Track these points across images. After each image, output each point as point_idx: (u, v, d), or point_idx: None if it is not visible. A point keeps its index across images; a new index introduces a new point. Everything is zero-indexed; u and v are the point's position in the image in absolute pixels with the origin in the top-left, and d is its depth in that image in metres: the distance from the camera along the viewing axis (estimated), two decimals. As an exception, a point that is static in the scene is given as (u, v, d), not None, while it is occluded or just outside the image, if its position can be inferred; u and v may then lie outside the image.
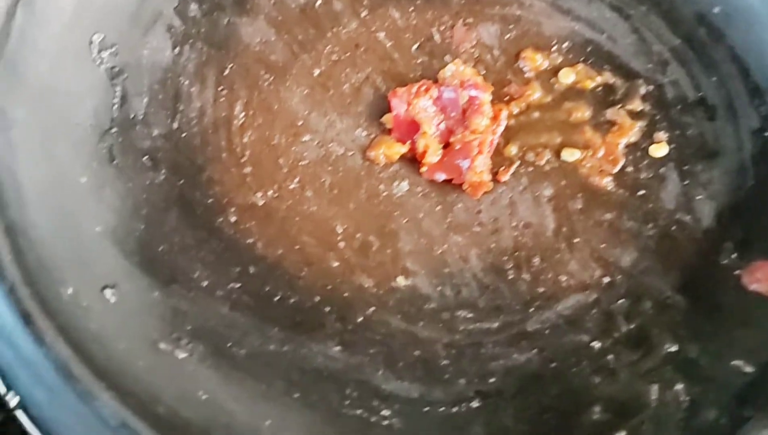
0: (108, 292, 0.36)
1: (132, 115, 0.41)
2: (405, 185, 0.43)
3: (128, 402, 0.32)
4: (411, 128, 0.43)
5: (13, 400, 0.35)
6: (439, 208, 0.42)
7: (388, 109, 0.44)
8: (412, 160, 0.43)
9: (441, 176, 0.43)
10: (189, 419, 0.33)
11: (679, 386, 0.35)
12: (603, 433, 0.34)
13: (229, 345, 0.36)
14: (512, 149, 0.44)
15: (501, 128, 0.44)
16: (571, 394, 0.36)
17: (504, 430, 0.35)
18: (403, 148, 0.43)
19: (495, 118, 0.43)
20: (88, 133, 0.40)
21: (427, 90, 0.43)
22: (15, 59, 0.38)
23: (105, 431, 0.31)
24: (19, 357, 0.32)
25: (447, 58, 0.46)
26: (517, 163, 0.43)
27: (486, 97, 0.43)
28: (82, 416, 0.31)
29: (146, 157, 0.41)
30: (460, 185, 0.42)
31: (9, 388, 0.34)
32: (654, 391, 0.36)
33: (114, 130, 0.41)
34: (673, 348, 0.37)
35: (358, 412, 0.36)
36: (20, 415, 0.35)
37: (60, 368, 0.32)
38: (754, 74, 0.44)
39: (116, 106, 0.41)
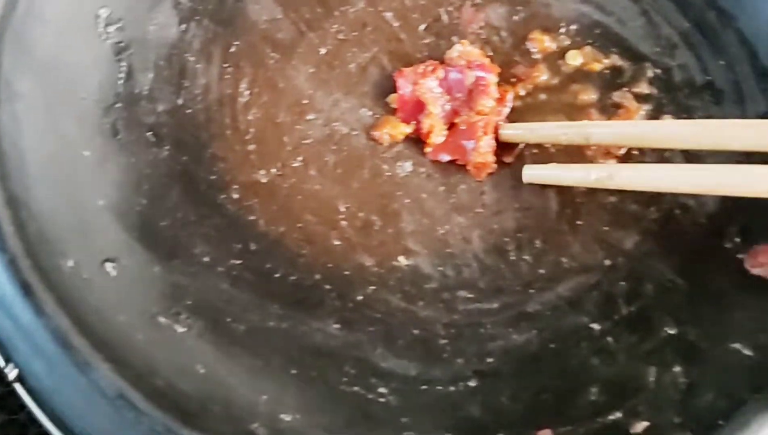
0: (108, 266, 0.36)
1: (137, 91, 0.42)
2: (408, 166, 0.43)
3: (126, 374, 0.32)
4: (416, 108, 0.43)
5: (12, 373, 0.35)
6: (442, 188, 0.42)
7: (394, 89, 0.44)
8: (417, 140, 0.43)
9: (445, 157, 0.42)
10: (186, 392, 0.33)
11: (678, 368, 0.35)
12: (599, 413, 0.34)
13: (228, 320, 0.37)
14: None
15: (507, 110, 0.43)
16: (569, 375, 0.36)
17: (500, 409, 0.35)
18: (408, 129, 0.43)
19: (501, 100, 0.43)
20: (93, 108, 0.40)
21: (433, 70, 0.43)
22: (21, 31, 0.38)
23: (102, 402, 0.31)
24: (19, 327, 0.32)
25: (454, 38, 0.45)
26: (522, 145, 0.43)
27: (492, 78, 0.43)
28: (80, 387, 0.32)
29: (150, 132, 0.41)
30: (465, 166, 0.42)
31: (8, 360, 0.35)
32: (652, 373, 0.35)
33: (118, 105, 0.41)
34: (673, 331, 0.37)
35: (356, 389, 0.36)
36: (19, 388, 0.36)
37: (59, 339, 0.32)
38: (762, 58, 0.43)
39: (121, 81, 0.41)
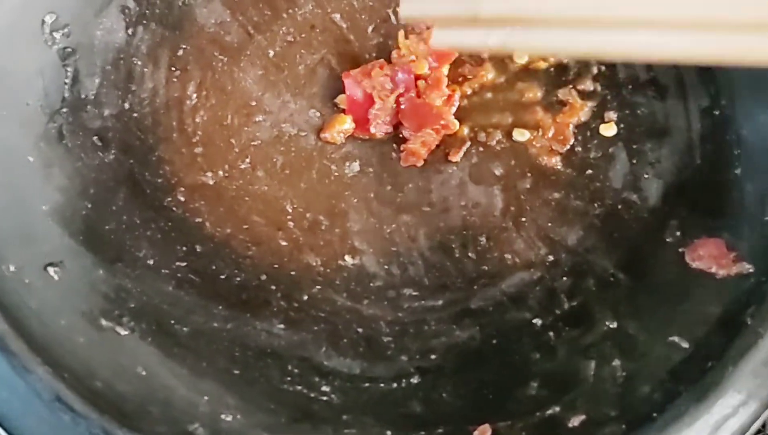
0: (51, 270, 0.36)
1: (83, 96, 0.42)
2: (356, 166, 0.43)
3: (64, 376, 0.32)
4: (365, 107, 0.43)
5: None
6: (389, 188, 0.43)
7: (342, 90, 0.44)
8: (365, 140, 0.43)
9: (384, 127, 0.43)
10: (125, 394, 0.33)
11: (617, 362, 0.36)
12: (538, 408, 0.35)
13: (172, 322, 0.37)
14: (464, 129, 0.44)
15: (453, 109, 0.44)
16: (510, 370, 0.37)
17: (441, 405, 0.36)
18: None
19: (449, 99, 0.44)
20: (38, 113, 0.40)
21: (381, 67, 0.43)
22: (-38, 39, 0.38)
23: (40, 405, 0.32)
24: (-43, 332, 0.33)
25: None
26: (468, 143, 0.43)
27: (444, 70, 0.43)
28: (18, 390, 0.32)
29: (96, 137, 0.41)
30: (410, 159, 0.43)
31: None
32: (591, 366, 0.36)
33: (64, 110, 0.41)
34: (613, 325, 0.37)
35: (299, 388, 0.36)
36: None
37: (-4, 342, 0.32)
38: (705, 54, 0.43)
39: (67, 86, 0.42)
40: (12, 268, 0.35)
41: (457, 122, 0.43)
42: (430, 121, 0.42)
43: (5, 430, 0.32)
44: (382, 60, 0.44)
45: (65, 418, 0.31)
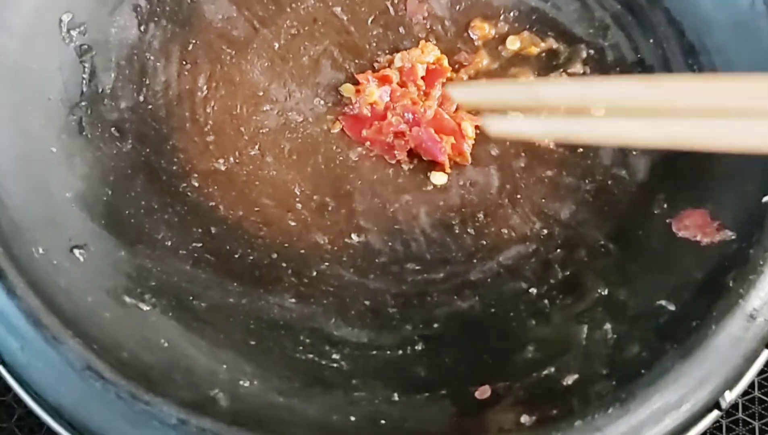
0: (77, 252, 0.39)
1: (100, 90, 0.44)
2: (360, 150, 0.45)
3: (93, 347, 0.34)
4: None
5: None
6: (391, 170, 0.45)
7: (345, 80, 0.47)
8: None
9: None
10: (150, 363, 0.35)
11: (607, 326, 0.38)
12: (534, 369, 0.37)
13: (190, 299, 0.39)
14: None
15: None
16: (508, 336, 0.39)
17: (444, 369, 0.38)
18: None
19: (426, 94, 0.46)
20: (59, 107, 0.43)
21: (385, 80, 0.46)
22: (-12, 40, 0.41)
23: (71, 374, 0.34)
24: (-7, 309, 0.35)
25: (401, 29, 0.48)
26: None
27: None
28: (51, 361, 0.34)
29: (114, 128, 0.44)
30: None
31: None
32: (584, 331, 0.38)
33: (83, 103, 0.44)
34: (604, 292, 0.40)
35: (310, 356, 0.38)
36: (3, 371, 0.39)
37: (30, 318, 0.35)
38: (688, 35, 0.46)
39: (85, 81, 0.44)
40: (41, 251, 0.37)
41: (472, 128, 0.45)
42: (451, 132, 0.44)
43: (40, 396, 0.35)
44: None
45: (96, 385, 0.34)
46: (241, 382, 0.36)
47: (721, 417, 0.42)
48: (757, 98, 0.35)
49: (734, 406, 0.44)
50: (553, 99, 0.39)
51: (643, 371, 0.35)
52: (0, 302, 0.35)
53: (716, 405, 0.38)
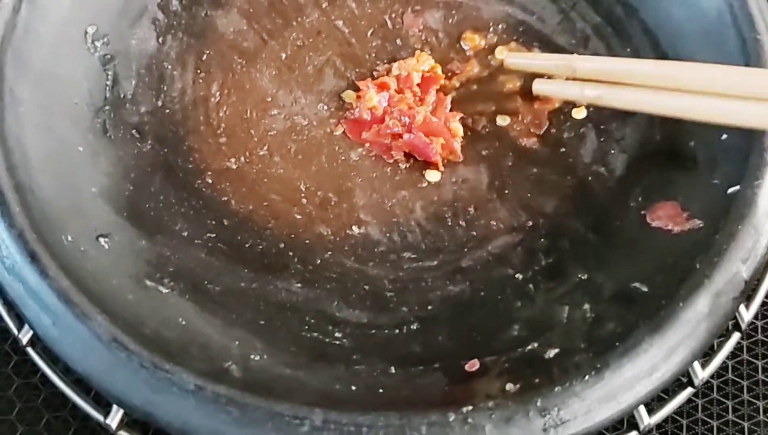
0: (102, 240, 0.42)
1: (122, 95, 0.48)
2: (361, 151, 0.49)
3: (118, 323, 0.38)
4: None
5: (25, 338, 0.42)
6: (389, 169, 0.49)
7: (347, 87, 0.51)
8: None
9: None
10: (170, 338, 0.39)
11: (586, 306, 0.41)
12: (520, 345, 0.40)
13: (205, 283, 0.43)
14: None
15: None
16: (496, 317, 0.42)
17: (437, 346, 0.41)
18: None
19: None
20: (84, 110, 0.46)
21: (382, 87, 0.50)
22: (21, 47, 0.44)
23: (99, 346, 0.37)
24: (28, 289, 0.38)
25: (398, 41, 0.52)
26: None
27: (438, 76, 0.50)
28: (80, 335, 0.37)
29: (135, 130, 0.48)
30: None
31: (21, 326, 0.41)
32: (565, 311, 0.41)
33: (107, 107, 0.47)
34: (584, 276, 0.43)
35: (315, 334, 0.42)
36: (31, 352, 0.42)
37: (61, 296, 0.38)
38: (662, 44, 0.50)
39: (108, 87, 0.48)
40: (70, 238, 0.41)
41: (460, 127, 0.49)
42: (440, 133, 0.48)
43: (70, 367, 0.38)
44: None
45: (121, 356, 0.37)
46: (252, 356, 0.39)
47: (697, 396, 0.46)
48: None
49: (710, 387, 0.47)
50: (587, 71, 0.47)
51: (617, 344, 0.38)
52: (34, 282, 0.38)
53: (690, 382, 0.41)
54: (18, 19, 0.45)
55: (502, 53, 0.52)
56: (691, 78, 0.43)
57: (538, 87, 0.49)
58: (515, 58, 0.50)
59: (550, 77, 0.49)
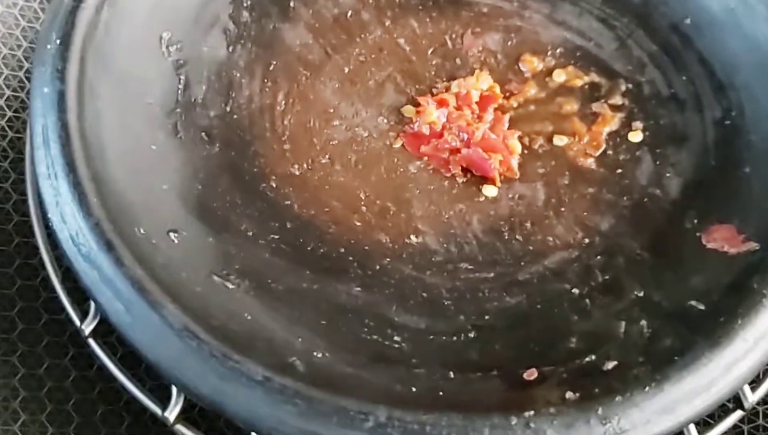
0: (172, 235, 0.43)
1: (193, 99, 0.50)
2: (419, 164, 0.51)
3: (189, 313, 0.39)
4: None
5: (88, 328, 0.43)
6: (446, 182, 0.50)
7: (406, 102, 0.52)
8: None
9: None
10: (236, 331, 0.40)
11: (643, 322, 0.42)
12: (577, 356, 0.41)
13: (269, 281, 0.44)
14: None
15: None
16: (553, 329, 0.43)
17: (495, 354, 0.42)
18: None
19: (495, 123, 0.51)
20: (157, 111, 0.48)
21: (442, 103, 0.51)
22: (101, 47, 0.46)
23: (170, 334, 0.38)
24: (102, 276, 0.40)
25: (457, 60, 0.54)
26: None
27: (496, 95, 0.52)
28: (152, 322, 0.39)
29: (204, 133, 0.49)
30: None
31: (85, 316, 0.43)
32: (622, 326, 0.42)
33: (178, 110, 0.49)
34: (640, 294, 0.44)
35: (375, 337, 0.42)
36: (92, 343, 0.43)
37: (135, 284, 0.39)
38: (718, 74, 0.51)
39: (180, 91, 0.50)
40: (142, 231, 0.42)
41: (518, 144, 0.50)
42: (498, 150, 0.50)
43: (142, 354, 0.39)
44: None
45: (192, 344, 0.38)
46: (314, 353, 0.40)
47: (743, 422, 0.46)
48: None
49: (755, 413, 0.47)
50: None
51: (675, 358, 0.39)
52: (109, 271, 0.40)
53: (739, 406, 0.42)
54: (100, 20, 0.47)
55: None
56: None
57: None
58: None
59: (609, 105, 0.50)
